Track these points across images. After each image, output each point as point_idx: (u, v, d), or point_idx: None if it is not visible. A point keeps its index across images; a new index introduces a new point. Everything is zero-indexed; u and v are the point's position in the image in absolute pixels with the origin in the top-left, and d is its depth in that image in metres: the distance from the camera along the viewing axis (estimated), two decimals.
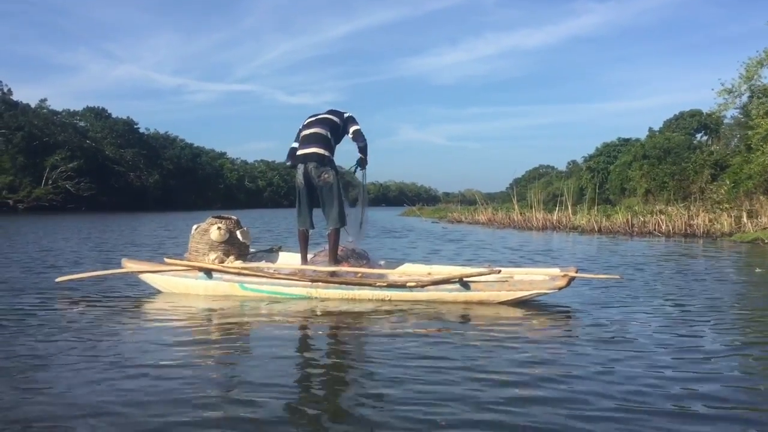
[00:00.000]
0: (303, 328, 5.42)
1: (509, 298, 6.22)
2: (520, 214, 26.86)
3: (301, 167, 6.91)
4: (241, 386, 3.55)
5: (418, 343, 4.61)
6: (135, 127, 76.77)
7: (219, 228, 6.88)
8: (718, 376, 3.72)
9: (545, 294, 6.26)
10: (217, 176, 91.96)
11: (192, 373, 3.80)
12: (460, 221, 31.86)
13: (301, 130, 7.10)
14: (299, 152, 6.96)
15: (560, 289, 6.17)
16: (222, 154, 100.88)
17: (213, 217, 7.19)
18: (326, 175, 6.85)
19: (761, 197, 22.87)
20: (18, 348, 4.26)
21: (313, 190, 6.98)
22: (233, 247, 6.97)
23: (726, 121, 47.19)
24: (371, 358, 4.16)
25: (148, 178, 70.90)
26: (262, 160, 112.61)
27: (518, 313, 5.92)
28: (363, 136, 7.07)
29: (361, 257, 7.12)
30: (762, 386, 3.59)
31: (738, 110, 37.39)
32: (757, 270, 9.33)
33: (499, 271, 6.41)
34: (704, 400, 3.24)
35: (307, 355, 4.52)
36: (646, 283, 7.97)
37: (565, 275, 6.15)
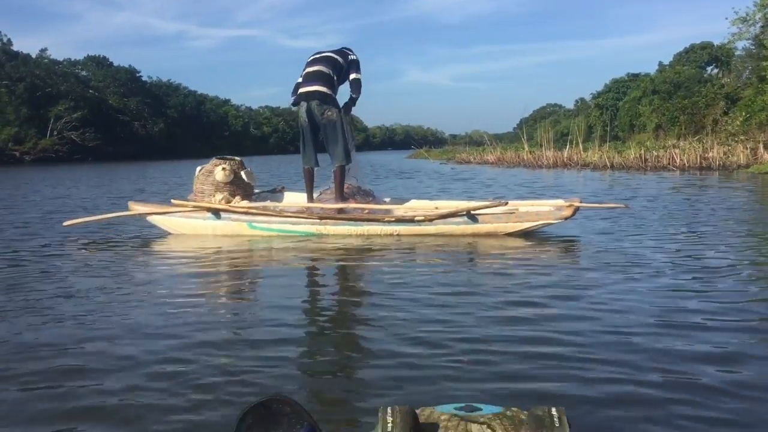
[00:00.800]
0: (312, 263, 5.47)
1: (516, 229, 6.28)
2: (530, 152, 26.54)
3: (303, 105, 6.88)
4: (252, 318, 3.61)
5: (428, 274, 4.63)
6: (137, 75, 76.02)
7: (224, 169, 6.90)
8: (723, 293, 3.74)
9: (552, 224, 6.33)
10: (222, 123, 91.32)
11: (205, 304, 3.86)
12: (468, 162, 31.58)
13: (304, 68, 7.04)
14: (301, 90, 6.91)
15: (566, 218, 6.23)
16: (226, 101, 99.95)
17: (217, 158, 7.19)
18: (329, 113, 6.82)
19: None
20: (39, 285, 4.35)
21: (316, 128, 6.96)
22: (238, 187, 7.02)
23: (737, 53, 46.15)
24: (381, 290, 4.12)
25: (153, 127, 70.61)
26: (266, 106, 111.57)
27: (527, 243, 5.96)
28: (360, 87, 6.99)
29: (367, 195, 7.19)
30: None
31: (750, 41, 36.57)
32: None
33: (506, 203, 6.48)
34: (705, 315, 3.27)
35: (317, 289, 4.59)
36: (654, 212, 7.95)
37: (570, 205, 6.23)
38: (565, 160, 23.99)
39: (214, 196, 6.87)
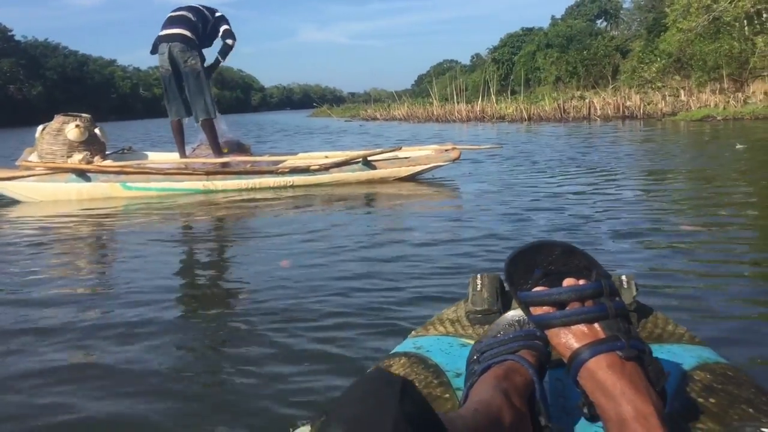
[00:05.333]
0: (203, 222, 4.95)
1: (410, 173, 6.37)
2: (441, 107, 25.92)
3: (165, 48, 6.29)
4: (132, 286, 2.93)
5: (324, 222, 4.39)
6: (10, 34, 69.86)
7: (78, 126, 6.15)
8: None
9: (442, 166, 6.48)
10: (108, 85, 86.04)
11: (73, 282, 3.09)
12: (375, 118, 30.74)
13: (166, 17, 6.55)
14: (162, 32, 6.36)
15: (454, 160, 6.41)
16: (112, 62, 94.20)
17: (63, 115, 6.35)
18: (193, 61, 6.33)
19: (676, 76, 23.06)
20: None
21: (180, 76, 6.39)
22: (93, 146, 6.29)
23: (625, 5, 47.78)
24: (277, 242, 3.73)
25: (31, 90, 65.41)
26: (157, 67, 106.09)
27: (415, 188, 6.07)
28: (233, 34, 6.67)
29: (243, 150, 6.91)
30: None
31: None
32: (738, 146, 7.99)
33: (400, 148, 6.56)
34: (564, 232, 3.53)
35: (207, 246, 4.00)
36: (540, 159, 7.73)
37: (454, 148, 6.45)
38: (477, 113, 23.45)
39: (71, 156, 6.08)
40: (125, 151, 7.14)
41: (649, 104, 18.97)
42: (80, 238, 4.40)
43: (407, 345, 1.15)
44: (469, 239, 3.51)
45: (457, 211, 4.77)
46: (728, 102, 16.79)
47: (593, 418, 0.82)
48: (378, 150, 6.54)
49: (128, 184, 6.01)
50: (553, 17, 56.16)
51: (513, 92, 45.40)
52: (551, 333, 0.84)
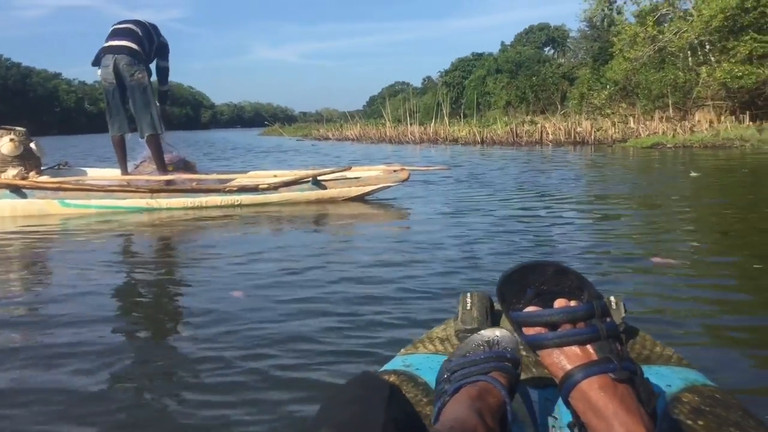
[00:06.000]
0: (146, 242, 4.77)
1: (359, 193, 6.32)
2: (393, 128, 25.80)
3: (110, 60, 6.06)
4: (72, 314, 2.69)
5: (274, 243, 4.22)
6: None
7: (12, 140, 5.88)
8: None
9: (391, 186, 6.44)
10: (52, 99, 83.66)
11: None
12: (327, 138, 30.49)
13: (110, 28, 6.33)
14: (107, 44, 6.13)
15: (403, 181, 6.41)
16: (57, 75, 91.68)
17: None
18: (140, 75, 6.13)
19: (622, 104, 23.56)
20: None
21: (124, 89, 6.18)
22: (29, 161, 6.02)
23: (572, 34, 49.14)
24: (222, 265, 3.54)
25: None
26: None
27: (364, 209, 6.02)
28: (168, 76, 6.73)
29: (189, 167, 6.73)
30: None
31: (585, 23, 38.87)
32: (693, 173, 8.12)
33: (350, 168, 6.47)
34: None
35: (153, 267, 3.71)
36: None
37: (403, 168, 6.43)
38: (430, 135, 23.36)
39: (3, 171, 5.80)
40: (61, 166, 6.83)
41: (598, 130, 19.27)
42: (13, 257, 4.12)
43: (396, 363, 1.14)
44: (421, 261, 3.45)
45: (406, 232, 4.75)
46: (675, 130, 17.25)
47: None
48: (327, 170, 6.48)
49: (67, 201, 5.74)
50: (502, 43, 57.45)
51: (464, 115, 46.13)
52: (543, 353, 0.85)
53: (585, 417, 0.80)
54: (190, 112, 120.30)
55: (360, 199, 6.32)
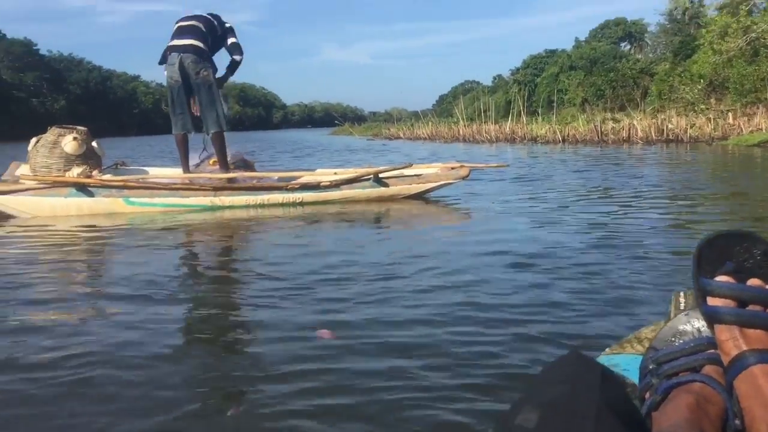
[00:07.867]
0: (212, 240, 4.74)
1: (420, 190, 6.28)
2: (467, 126, 25.08)
3: (175, 58, 5.94)
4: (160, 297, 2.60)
5: (339, 244, 4.18)
6: (34, 48, 70.83)
7: (76, 139, 5.82)
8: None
9: (452, 183, 6.38)
10: (131, 100, 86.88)
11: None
12: (398, 137, 30.14)
13: (174, 26, 6.24)
14: (173, 42, 6.03)
15: (463, 178, 6.34)
16: (135, 77, 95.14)
17: (57, 127, 6.00)
18: (205, 72, 6.03)
19: (711, 100, 22.20)
20: None
21: (189, 88, 6.08)
22: (91, 160, 5.96)
23: (650, 28, 47.22)
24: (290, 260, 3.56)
25: (54, 104, 66.11)
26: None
27: (427, 207, 6.04)
28: (241, 49, 6.38)
29: (249, 166, 6.72)
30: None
31: (664, 17, 37.21)
32: None
33: (411, 165, 6.45)
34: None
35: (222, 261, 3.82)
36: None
37: (463, 166, 6.38)
38: (507, 134, 22.43)
39: (69, 170, 5.74)
40: (118, 166, 6.74)
41: (692, 127, 17.80)
42: (82, 254, 4.17)
43: (602, 362, 1.01)
44: (489, 265, 3.30)
45: (467, 232, 4.68)
46: None
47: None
48: (388, 167, 6.42)
49: (131, 199, 5.70)
50: (576, 39, 55.75)
51: (535, 113, 44.93)
52: (720, 328, 0.80)
53: (746, 402, 0.73)
54: (262, 113, 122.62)
55: (419, 196, 6.26)
